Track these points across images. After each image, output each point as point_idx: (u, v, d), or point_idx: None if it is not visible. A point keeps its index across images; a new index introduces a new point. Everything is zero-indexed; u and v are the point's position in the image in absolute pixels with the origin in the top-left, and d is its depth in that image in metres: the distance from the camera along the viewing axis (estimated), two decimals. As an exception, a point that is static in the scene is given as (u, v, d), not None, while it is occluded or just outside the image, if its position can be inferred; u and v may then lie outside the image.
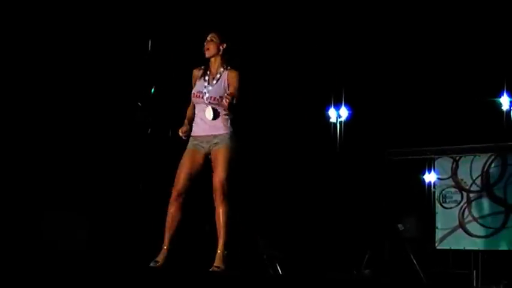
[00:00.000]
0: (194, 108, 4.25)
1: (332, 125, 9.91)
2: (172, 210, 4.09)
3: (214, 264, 4.00)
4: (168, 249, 4.07)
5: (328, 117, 9.92)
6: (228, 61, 4.23)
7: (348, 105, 9.98)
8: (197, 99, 4.18)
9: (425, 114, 9.84)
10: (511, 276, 8.67)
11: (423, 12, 9.34)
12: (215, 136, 4.12)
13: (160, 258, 4.04)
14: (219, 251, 4.02)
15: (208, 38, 4.22)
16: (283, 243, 8.64)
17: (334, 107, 9.97)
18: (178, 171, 4.11)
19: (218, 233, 4.04)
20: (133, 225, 6.86)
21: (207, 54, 4.20)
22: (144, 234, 6.68)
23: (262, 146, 8.59)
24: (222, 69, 4.21)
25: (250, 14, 8.35)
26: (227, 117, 4.17)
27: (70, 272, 2.69)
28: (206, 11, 7.68)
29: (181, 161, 4.13)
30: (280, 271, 7.82)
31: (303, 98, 9.68)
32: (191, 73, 4.39)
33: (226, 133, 4.13)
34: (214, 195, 4.02)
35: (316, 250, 9.36)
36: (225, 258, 4.00)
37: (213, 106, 4.11)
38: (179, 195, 4.08)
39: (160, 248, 4.08)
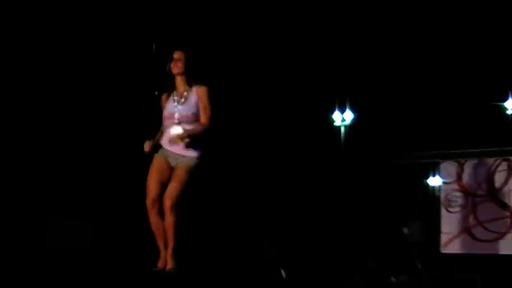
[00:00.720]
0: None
1: (336, 128, 9.88)
2: (153, 219, 4.17)
3: (168, 267, 4.13)
4: (164, 253, 4.19)
5: (333, 121, 9.90)
6: (194, 78, 4.24)
7: (352, 108, 9.94)
8: (168, 121, 4.20)
9: (430, 118, 9.85)
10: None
11: (428, 18, 9.36)
12: (183, 156, 4.15)
13: (161, 263, 4.17)
14: (169, 253, 4.14)
15: (176, 56, 4.23)
16: (288, 248, 8.73)
17: (338, 111, 9.94)
18: (148, 181, 4.18)
19: (168, 239, 4.14)
20: (138, 230, 6.80)
21: (176, 70, 4.22)
22: (149, 240, 6.76)
23: (267, 149, 8.60)
24: (188, 87, 4.23)
25: (256, 19, 8.36)
26: (198, 137, 4.19)
27: (75, 277, 2.68)
28: (209, 13, 7.68)
29: (150, 170, 4.20)
30: (284, 276, 7.85)
31: (308, 102, 9.71)
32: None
33: (194, 156, 4.16)
34: (164, 205, 4.09)
35: (321, 254, 9.39)
36: (177, 258, 4.12)
37: (185, 125, 4.14)
38: (154, 203, 4.14)
39: (159, 255, 4.19)
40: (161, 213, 4.14)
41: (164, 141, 4.20)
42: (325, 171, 9.99)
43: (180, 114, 4.16)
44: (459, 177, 9.22)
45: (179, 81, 4.24)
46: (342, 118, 9.95)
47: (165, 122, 4.22)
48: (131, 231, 6.93)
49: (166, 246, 4.15)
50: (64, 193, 7.02)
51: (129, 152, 7.15)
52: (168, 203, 4.07)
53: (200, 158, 4.19)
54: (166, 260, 4.14)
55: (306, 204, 9.68)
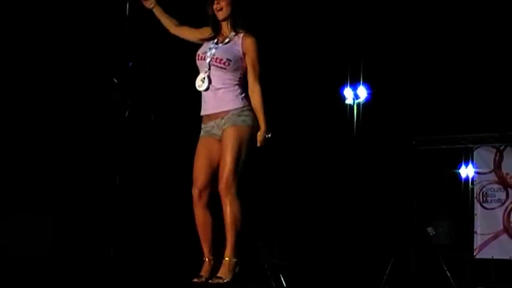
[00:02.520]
0: (177, 28, 4.39)
1: (348, 107, 9.88)
2: (199, 212, 4.08)
3: (218, 274, 3.96)
4: (211, 260, 4.06)
5: (344, 98, 9.89)
6: (242, 23, 4.20)
7: (367, 83, 9.93)
8: (200, 62, 4.16)
9: (462, 95, 9.88)
10: None
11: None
12: (223, 115, 4.07)
13: (203, 272, 4.04)
14: (226, 259, 3.98)
15: None
16: (288, 250, 8.70)
17: (350, 86, 9.94)
18: (194, 165, 4.11)
19: (227, 237, 4.01)
20: (108, 228, 6.80)
21: (221, 16, 4.17)
22: (122, 238, 6.72)
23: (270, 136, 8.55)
24: (233, 33, 4.19)
25: None
26: (236, 86, 4.12)
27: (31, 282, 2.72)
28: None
29: (196, 152, 4.15)
30: (284, 283, 7.81)
31: (313, 75, 9.68)
32: (179, 43, 4.42)
33: (235, 108, 4.06)
34: (219, 189, 3.99)
35: (329, 259, 9.41)
36: (234, 267, 3.97)
37: (218, 72, 4.09)
38: (201, 193, 4.04)
39: (202, 261, 4.09)
40: (210, 207, 4.06)
41: (202, 104, 4.16)
42: (335, 159, 10.00)
43: (213, 56, 4.10)
44: (497, 166, 9.16)
45: (224, 25, 4.21)
46: (355, 95, 9.92)
47: (197, 62, 4.20)
48: (102, 228, 6.92)
49: (211, 251, 4.05)
50: (17, 183, 6.92)
51: (98, 133, 7.19)
52: (223, 185, 3.95)
53: (246, 109, 4.09)
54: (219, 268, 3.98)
55: (312, 198, 9.73)
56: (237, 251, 3.96)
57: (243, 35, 4.15)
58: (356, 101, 9.98)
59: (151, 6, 4.39)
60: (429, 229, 9.25)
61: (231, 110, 4.06)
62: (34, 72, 7.13)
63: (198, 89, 4.13)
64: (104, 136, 7.18)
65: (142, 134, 7.32)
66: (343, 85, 10.02)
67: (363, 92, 10.09)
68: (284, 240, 8.82)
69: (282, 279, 7.87)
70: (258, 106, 4.07)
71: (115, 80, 6.91)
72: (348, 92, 10.05)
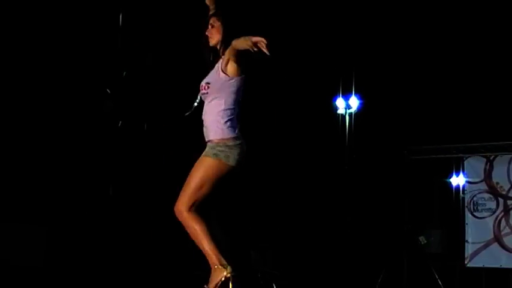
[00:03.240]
0: None
1: (340, 117, 9.92)
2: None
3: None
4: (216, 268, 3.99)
5: (336, 108, 9.93)
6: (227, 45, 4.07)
7: (359, 94, 10.00)
8: (201, 95, 4.17)
9: (453, 105, 9.89)
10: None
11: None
12: (208, 144, 4.02)
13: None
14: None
15: (210, 22, 4.17)
16: (281, 259, 8.71)
17: (342, 96, 9.99)
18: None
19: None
20: (102, 238, 6.83)
21: (211, 42, 4.14)
22: (116, 249, 6.74)
23: (262, 145, 8.59)
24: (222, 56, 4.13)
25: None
26: (220, 117, 4.01)
27: None
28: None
29: None
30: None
31: (306, 86, 9.74)
32: (170, 54, 4.39)
33: (214, 139, 3.98)
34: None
35: (321, 269, 9.41)
36: (217, 275, 3.91)
37: (203, 100, 4.06)
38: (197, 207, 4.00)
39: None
40: (203, 217, 4.01)
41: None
42: (327, 168, 10.01)
43: (205, 82, 4.07)
44: (488, 176, 9.15)
45: (218, 50, 4.19)
46: (347, 105, 9.98)
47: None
48: (96, 237, 6.93)
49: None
50: (11, 194, 6.97)
51: (91, 143, 7.21)
52: (175, 209, 3.97)
53: (224, 144, 3.97)
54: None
55: (304, 207, 9.75)
56: (216, 259, 3.91)
57: (225, 53, 4.07)
58: (348, 111, 10.05)
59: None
60: (421, 238, 9.25)
61: (212, 140, 3.99)
62: (28, 82, 7.16)
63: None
64: (97, 146, 7.21)
65: (136, 144, 7.35)
66: (335, 95, 10.09)
67: (354, 102, 10.15)
68: (277, 250, 8.81)
69: (275, 287, 7.84)
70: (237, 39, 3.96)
71: (108, 90, 6.97)
72: (340, 102, 10.11)
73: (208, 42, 4.16)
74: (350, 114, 10.02)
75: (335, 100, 10.05)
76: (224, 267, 3.89)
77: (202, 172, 3.97)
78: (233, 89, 4.01)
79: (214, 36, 4.12)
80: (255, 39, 3.75)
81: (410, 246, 9.31)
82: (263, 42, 3.76)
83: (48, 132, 7.28)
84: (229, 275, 3.90)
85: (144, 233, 7.41)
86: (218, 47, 4.12)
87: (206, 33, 4.15)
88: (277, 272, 8.34)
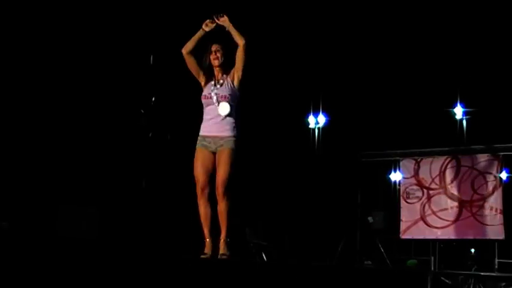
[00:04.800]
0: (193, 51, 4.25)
1: (311, 130, 9.98)
2: (202, 207, 4.08)
3: (221, 252, 4.01)
4: (212, 240, 4.07)
5: (308, 124, 9.98)
6: (229, 67, 4.23)
7: (325, 112, 10.04)
8: (207, 101, 4.17)
9: (392, 122, 9.94)
10: (461, 260, 8.76)
11: (388, 32, 9.44)
12: (221, 138, 4.09)
13: (207, 250, 4.03)
14: (222, 240, 4.04)
15: (214, 48, 4.21)
16: (268, 234, 8.72)
17: (312, 114, 10.03)
18: (195, 171, 4.12)
19: (221, 224, 4.06)
20: (137, 217, 6.90)
21: (217, 63, 4.19)
22: (146, 225, 6.80)
23: (249, 149, 8.58)
24: (225, 75, 4.23)
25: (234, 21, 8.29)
26: (233, 119, 4.13)
27: (83, 260, 2.68)
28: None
29: (195, 160, 4.14)
30: (265, 258, 7.86)
31: (284, 106, 9.70)
32: (188, 85, 4.45)
33: (231, 136, 4.10)
34: (216, 192, 4.03)
35: (298, 240, 9.45)
36: (229, 245, 4.03)
37: (221, 105, 4.11)
38: (203, 191, 4.07)
39: (204, 242, 4.07)
40: (209, 200, 4.06)
41: (203, 127, 4.15)
42: (302, 168, 10.04)
43: (218, 94, 4.12)
44: (416, 173, 9.15)
45: (217, 71, 4.23)
46: (316, 121, 10.05)
47: (204, 100, 4.18)
48: (134, 217, 6.95)
49: (213, 233, 4.03)
50: (72, 183, 7.04)
51: (130, 148, 7.28)
52: (220, 189, 3.96)
53: (237, 138, 4.11)
54: (218, 247, 3.99)
55: (285, 197, 9.70)
56: (229, 234, 4.02)
57: (228, 75, 4.22)
58: (317, 126, 10.14)
59: (208, 28, 4.24)
60: (369, 218, 9.25)
61: (229, 137, 4.08)
62: (90, 104, 7.25)
63: (222, 114, 4.10)
64: (135, 150, 7.22)
65: (161, 150, 7.35)
66: (307, 113, 10.20)
67: (322, 118, 10.22)
68: (265, 226, 8.84)
69: (264, 255, 7.92)
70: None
71: (142, 110, 7.03)
72: (310, 119, 10.21)
73: (211, 65, 4.18)
74: (318, 128, 10.14)
75: (307, 117, 10.18)
76: (230, 242, 4.01)
77: (231, 161, 4.00)
78: (239, 99, 4.21)
79: (220, 60, 4.18)
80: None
81: (361, 224, 9.33)
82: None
83: (105, 141, 7.36)
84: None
85: (168, 216, 7.40)
86: (220, 67, 4.20)
87: (213, 57, 4.17)
88: (266, 243, 8.35)
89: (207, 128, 4.14)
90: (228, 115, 4.09)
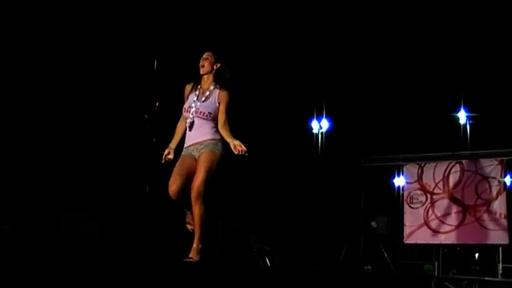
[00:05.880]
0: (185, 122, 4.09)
1: (314, 135, 9.97)
2: (185, 209, 3.92)
3: (189, 256, 3.83)
4: (198, 245, 3.86)
5: (311, 129, 9.99)
6: (219, 80, 3.99)
7: (329, 117, 10.04)
8: (186, 114, 3.98)
9: (395, 126, 9.96)
10: (464, 265, 8.73)
11: (391, 37, 9.47)
12: (201, 143, 3.90)
13: (191, 254, 3.83)
14: (194, 245, 3.83)
15: (204, 56, 4.00)
16: (272, 239, 8.71)
17: (316, 119, 10.04)
18: (172, 174, 3.90)
19: (195, 229, 3.85)
20: (140, 221, 6.90)
21: (202, 71, 3.98)
22: (149, 230, 6.79)
23: (251, 155, 8.58)
24: (212, 87, 3.98)
25: (235, 29, 8.32)
26: (213, 125, 3.94)
27: (84, 264, 2.67)
28: (202, 31, 7.66)
29: (176, 165, 3.94)
30: (268, 263, 7.86)
31: (288, 111, 9.72)
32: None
33: (211, 139, 3.90)
34: (190, 194, 3.79)
35: (302, 245, 9.43)
36: (200, 251, 3.82)
37: (200, 120, 3.91)
38: (175, 195, 3.82)
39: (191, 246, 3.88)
40: (187, 203, 3.81)
41: (186, 139, 3.96)
42: (305, 173, 10.02)
43: (197, 109, 3.90)
44: (420, 178, 9.18)
45: (205, 79, 3.99)
46: (319, 126, 10.05)
47: (184, 113, 4.00)
48: (136, 221, 6.93)
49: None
50: (74, 188, 7.01)
51: (133, 153, 7.30)
52: (193, 193, 3.74)
53: (218, 140, 3.91)
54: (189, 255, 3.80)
55: (289, 201, 9.69)
56: (203, 239, 3.79)
57: (220, 91, 3.95)
58: (320, 131, 10.10)
59: (171, 156, 4.02)
60: (372, 223, 9.27)
61: (208, 139, 3.89)
62: (93, 109, 7.24)
63: (191, 131, 3.93)
64: (138, 156, 7.17)
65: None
66: (310, 118, 10.19)
67: (325, 124, 10.18)
68: (269, 232, 8.79)
69: (267, 260, 7.91)
70: (228, 136, 3.87)
71: (146, 115, 6.96)
72: (314, 124, 10.19)
73: (199, 72, 3.98)
74: (322, 133, 10.11)
75: (310, 122, 10.15)
76: (203, 248, 3.80)
77: (210, 162, 3.80)
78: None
79: (207, 67, 3.95)
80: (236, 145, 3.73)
81: (365, 229, 9.36)
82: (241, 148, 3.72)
83: (108, 146, 7.33)
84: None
85: (171, 221, 7.39)
86: (206, 75, 3.97)
87: (200, 64, 3.96)
88: (269, 248, 8.35)
89: (187, 139, 3.98)
90: (208, 125, 3.92)
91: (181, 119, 4.05)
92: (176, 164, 3.91)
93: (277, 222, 9.33)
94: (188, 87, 4.05)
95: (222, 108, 3.93)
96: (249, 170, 8.87)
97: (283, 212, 9.58)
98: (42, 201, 6.72)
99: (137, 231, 6.83)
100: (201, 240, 3.81)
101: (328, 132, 10.00)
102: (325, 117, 9.99)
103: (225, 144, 3.96)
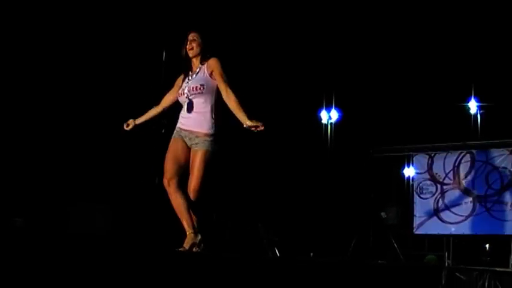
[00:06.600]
0: (161, 110, 4.02)
1: (323, 126, 9.99)
2: (172, 198, 3.76)
3: (183, 245, 3.75)
4: (191, 233, 3.75)
5: (320, 119, 9.96)
6: (206, 54, 3.85)
7: (338, 107, 10.01)
8: (180, 97, 3.84)
9: (405, 116, 9.97)
10: (475, 256, 8.71)
11: (401, 26, 9.42)
12: (197, 136, 3.74)
13: (185, 243, 3.72)
14: (190, 234, 3.76)
15: (190, 38, 3.84)
16: (282, 230, 8.74)
17: (325, 109, 10.00)
18: (165, 160, 3.80)
19: (182, 217, 3.77)
20: (150, 213, 6.93)
21: (191, 53, 3.82)
22: (159, 221, 6.74)
23: (260, 145, 8.62)
24: (201, 65, 3.83)
25: (244, 18, 8.31)
26: (210, 107, 3.76)
27: (96, 255, 2.67)
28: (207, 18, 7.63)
29: (168, 149, 3.83)
30: (278, 254, 7.88)
31: (297, 101, 9.71)
32: None
33: (207, 134, 3.73)
34: (189, 194, 3.75)
35: (311, 236, 9.46)
36: (195, 237, 3.74)
37: (196, 98, 3.74)
38: (169, 182, 3.74)
39: (185, 235, 3.76)
40: (180, 191, 3.72)
41: (180, 119, 3.83)
42: (314, 164, 10.06)
43: (189, 87, 3.76)
44: (430, 168, 9.07)
45: (194, 61, 3.85)
46: (329, 116, 10.02)
47: (179, 99, 3.86)
48: (146, 213, 6.96)
49: (191, 225, 3.70)
50: (85, 181, 7.09)
51: (143, 146, 7.33)
52: (192, 195, 3.70)
53: (215, 136, 3.75)
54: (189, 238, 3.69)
55: (298, 193, 9.72)
56: (191, 227, 3.70)
57: (206, 62, 3.81)
58: (329, 121, 10.16)
59: (131, 127, 4.03)
60: (382, 213, 9.25)
61: (204, 134, 3.72)
62: (103, 101, 7.29)
63: (186, 112, 3.76)
64: (147, 148, 7.15)
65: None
66: (319, 108, 10.21)
67: (334, 114, 10.22)
68: (278, 222, 8.82)
69: (276, 251, 7.92)
70: (236, 107, 3.69)
71: (154, 107, 7.04)
72: (323, 114, 10.21)
73: (188, 56, 3.82)
74: (331, 124, 10.16)
75: (319, 112, 10.20)
76: (195, 234, 3.71)
77: (205, 162, 3.71)
78: (215, 85, 3.78)
79: (196, 49, 3.81)
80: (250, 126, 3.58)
81: (374, 220, 9.29)
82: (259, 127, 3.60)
83: (117, 138, 7.30)
84: (199, 237, 3.71)
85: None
86: (194, 57, 3.83)
87: (188, 46, 3.81)
88: (277, 238, 8.34)
89: (182, 121, 3.82)
90: (205, 109, 3.74)
91: (159, 105, 4.02)
92: (169, 149, 3.81)
93: (287, 214, 9.34)
94: (180, 79, 3.94)
95: (218, 77, 3.77)
96: (258, 160, 8.91)
97: (292, 202, 9.60)
98: (53, 193, 6.80)
99: (147, 223, 6.86)
100: (192, 225, 3.73)
101: (337, 123, 10.03)
102: (335, 107, 10.01)
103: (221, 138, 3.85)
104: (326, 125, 10.07)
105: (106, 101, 7.35)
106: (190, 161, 3.76)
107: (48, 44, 6.85)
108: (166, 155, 3.79)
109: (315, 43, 9.43)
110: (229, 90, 3.74)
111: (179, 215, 3.76)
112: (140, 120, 4.06)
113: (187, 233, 3.73)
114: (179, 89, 3.87)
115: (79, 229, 6.54)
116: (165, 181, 3.78)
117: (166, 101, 4.02)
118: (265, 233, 8.20)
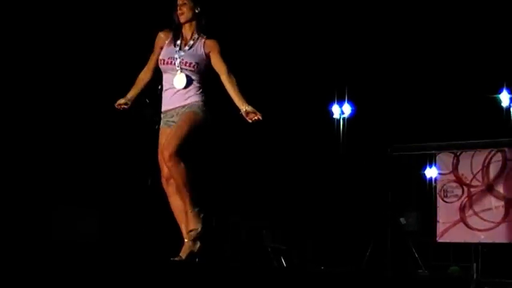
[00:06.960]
0: (151, 74, 3.82)
1: (335, 121, 9.99)
2: (170, 198, 3.68)
3: (190, 228, 3.63)
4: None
5: (332, 114, 9.98)
6: (203, 27, 3.78)
7: (351, 101, 10.03)
8: (167, 66, 3.69)
9: (427, 110, 9.97)
10: (507, 268, 8.69)
11: (425, 12, 9.42)
12: (184, 106, 3.66)
13: (182, 251, 3.62)
14: (189, 212, 3.63)
15: (180, 2, 3.74)
16: (288, 237, 8.75)
17: (337, 103, 10.03)
18: (158, 157, 3.68)
19: (182, 198, 3.64)
20: (142, 218, 6.96)
21: (182, 18, 3.73)
22: (152, 227, 6.82)
23: (268, 141, 8.64)
24: (196, 36, 3.76)
25: (256, 11, 8.36)
26: (200, 85, 3.71)
27: (81, 264, 2.63)
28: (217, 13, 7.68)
29: (159, 144, 3.71)
30: (284, 264, 7.87)
31: (307, 94, 9.75)
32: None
33: (196, 101, 3.66)
34: (163, 157, 3.56)
35: (322, 244, 9.49)
36: (200, 218, 3.62)
37: (186, 73, 3.66)
38: (167, 180, 3.66)
39: (182, 243, 3.65)
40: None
41: (163, 100, 3.74)
42: (325, 163, 10.08)
43: (183, 60, 3.65)
44: (455, 168, 8.99)
45: (186, 27, 3.75)
46: (341, 111, 10.02)
47: (162, 66, 3.71)
48: (138, 217, 7.00)
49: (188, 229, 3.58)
50: (70, 182, 7.06)
51: (133, 143, 7.35)
52: (166, 153, 3.51)
53: (205, 102, 3.69)
54: (189, 228, 3.56)
55: (307, 194, 9.75)
56: (198, 213, 3.56)
57: (205, 40, 3.74)
58: (342, 116, 10.18)
59: (127, 106, 3.88)
60: (401, 219, 9.23)
61: (193, 102, 3.65)
62: (89, 96, 7.28)
63: (177, 87, 3.65)
64: (138, 146, 7.34)
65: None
66: (331, 102, 10.23)
67: (347, 108, 10.24)
68: (284, 229, 8.85)
69: (283, 260, 7.93)
70: (236, 92, 3.67)
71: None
72: (335, 109, 10.22)
73: (179, 21, 3.73)
74: (343, 119, 10.17)
75: (331, 106, 10.21)
76: (194, 241, 3.59)
77: (190, 121, 3.62)
78: (208, 66, 3.74)
79: (186, 14, 3.73)
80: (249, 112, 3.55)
81: (393, 226, 9.25)
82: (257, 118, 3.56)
83: (104, 137, 7.38)
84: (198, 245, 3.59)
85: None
86: (187, 23, 3.75)
87: (178, 12, 3.73)
88: (285, 247, 8.40)
89: (167, 100, 3.72)
90: (190, 83, 3.66)
91: (146, 69, 3.85)
92: (159, 142, 3.71)
93: (295, 219, 9.37)
94: (163, 36, 3.77)
95: (217, 58, 3.74)
96: (263, 161, 8.93)
97: (301, 207, 9.63)
98: (33, 196, 6.77)
99: (139, 229, 6.87)
100: (196, 205, 3.58)
101: (350, 118, 10.04)
102: (347, 101, 10.05)
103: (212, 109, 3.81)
104: (338, 121, 10.04)
105: (94, 97, 7.29)
106: (177, 122, 3.65)
107: (36, 43, 6.90)
108: (158, 150, 3.67)
109: (326, 31, 9.47)
110: (231, 74, 3.71)
111: (178, 219, 3.67)
112: (132, 94, 3.90)
113: (185, 241, 3.62)
114: (163, 55, 3.74)
115: (62, 236, 6.54)
116: (163, 180, 3.69)
117: (149, 69, 3.85)
118: (270, 240, 8.22)
